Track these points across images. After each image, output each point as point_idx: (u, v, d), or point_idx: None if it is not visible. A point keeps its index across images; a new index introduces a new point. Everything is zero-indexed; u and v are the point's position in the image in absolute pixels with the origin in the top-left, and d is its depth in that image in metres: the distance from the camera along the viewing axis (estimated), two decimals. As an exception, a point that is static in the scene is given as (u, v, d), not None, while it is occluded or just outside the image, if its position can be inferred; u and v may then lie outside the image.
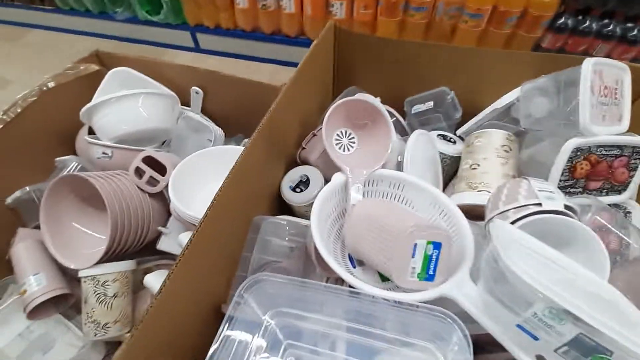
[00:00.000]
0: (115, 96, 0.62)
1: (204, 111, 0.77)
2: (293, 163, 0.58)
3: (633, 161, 0.46)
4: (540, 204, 0.37)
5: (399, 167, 0.51)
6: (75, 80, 0.69)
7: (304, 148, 0.58)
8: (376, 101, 0.49)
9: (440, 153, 0.59)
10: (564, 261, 0.33)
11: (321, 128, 0.46)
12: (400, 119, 0.64)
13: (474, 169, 0.51)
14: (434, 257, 0.34)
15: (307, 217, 0.52)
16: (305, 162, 0.57)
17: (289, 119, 0.55)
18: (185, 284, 0.35)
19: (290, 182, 0.54)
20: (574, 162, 0.45)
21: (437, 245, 0.34)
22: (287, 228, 0.50)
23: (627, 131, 0.47)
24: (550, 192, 0.38)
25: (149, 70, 0.71)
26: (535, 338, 0.27)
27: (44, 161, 0.67)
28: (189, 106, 0.76)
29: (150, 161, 0.59)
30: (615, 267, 0.40)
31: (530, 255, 0.31)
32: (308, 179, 0.54)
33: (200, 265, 0.37)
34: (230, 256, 0.45)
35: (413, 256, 0.33)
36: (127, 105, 0.63)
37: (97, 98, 0.65)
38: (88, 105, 0.62)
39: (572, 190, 0.47)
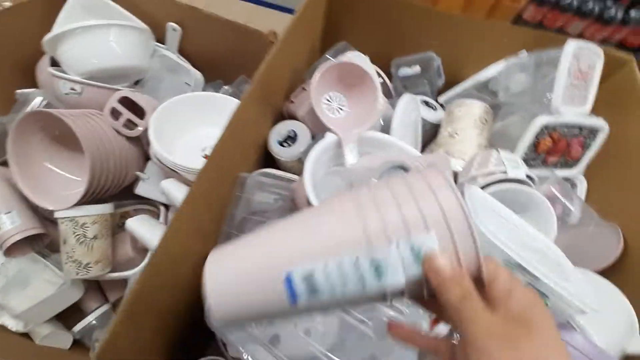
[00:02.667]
0: (82, 26, 0.56)
1: (181, 52, 0.72)
2: (279, 116, 0.58)
3: (588, 141, 0.52)
4: (505, 172, 0.42)
5: (383, 130, 0.53)
6: (35, -1, 0.61)
7: (292, 102, 0.57)
8: (366, 64, 0.49)
9: (422, 119, 0.61)
10: (518, 222, 0.39)
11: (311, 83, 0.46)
12: (387, 81, 0.65)
13: (453, 137, 0.54)
14: None
15: (292, 172, 0.54)
16: (292, 116, 0.57)
17: (280, 72, 0.54)
18: (183, 236, 0.36)
19: (278, 136, 0.55)
20: (539, 138, 0.50)
21: None
22: (271, 182, 0.52)
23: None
24: (516, 162, 0.43)
25: (119, -2, 0.64)
26: None
27: (1, 92, 0.61)
28: (163, 44, 0.70)
29: (127, 102, 0.56)
30: (559, 231, 0.48)
31: (492, 215, 0.36)
32: (296, 134, 0.54)
33: (195, 219, 0.38)
34: (222, 212, 0.46)
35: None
36: (98, 38, 0.57)
37: (62, 25, 0.58)
38: (52, 33, 0.56)
39: (532, 162, 0.52)
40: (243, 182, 0.47)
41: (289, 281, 0.19)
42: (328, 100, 0.48)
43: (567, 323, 0.36)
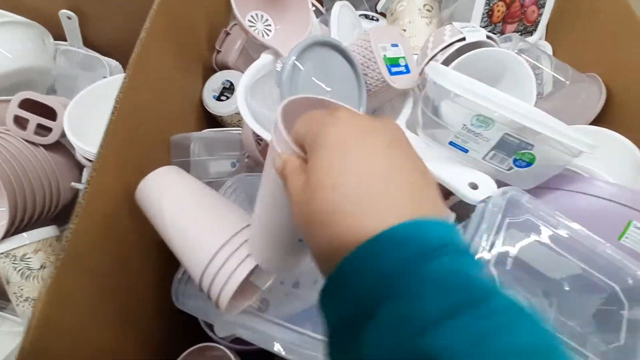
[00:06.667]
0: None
1: (88, 44, 0.63)
2: (211, 70, 0.51)
3: (541, -2, 0.48)
4: (464, 38, 0.37)
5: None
6: None
7: (219, 51, 0.50)
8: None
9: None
10: (492, 91, 0.34)
11: (234, 24, 0.39)
12: (320, 7, 0.59)
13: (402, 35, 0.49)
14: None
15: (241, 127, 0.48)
16: (223, 67, 0.51)
17: (193, 16, 0.46)
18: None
19: (212, 91, 0.48)
20: (491, 5, 0.45)
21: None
22: (221, 143, 0.46)
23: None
24: (473, 27, 0.38)
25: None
26: (465, 150, 0.28)
27: None
28: (63, 39, 0.61)
29: (31, 106, 0.48)
30: (538, 100, 0.44)
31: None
32: (232, 84, 0.48)
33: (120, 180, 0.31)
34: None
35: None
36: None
37: None
38: None
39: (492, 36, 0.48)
40: (182, 146, 0.41)
41: None
42: (252, 21, 0.41)
43: (578, 175, 0.32)
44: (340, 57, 0.31)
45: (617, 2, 0.43)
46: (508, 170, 0.28)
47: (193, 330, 0.36)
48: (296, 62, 0.27)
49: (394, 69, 0.32)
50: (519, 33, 0.50)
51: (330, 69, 0.30)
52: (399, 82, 0.32)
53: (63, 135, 0.48)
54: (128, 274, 0.31)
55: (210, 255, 0.26)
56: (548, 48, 0.52)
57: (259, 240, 0.25)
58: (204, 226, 0.27)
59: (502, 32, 0.48)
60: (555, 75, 0.45)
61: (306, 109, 0.20)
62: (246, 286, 0.29)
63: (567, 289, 0.29)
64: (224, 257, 0.26)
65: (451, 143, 0.28)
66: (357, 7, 0.61)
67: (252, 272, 0.27)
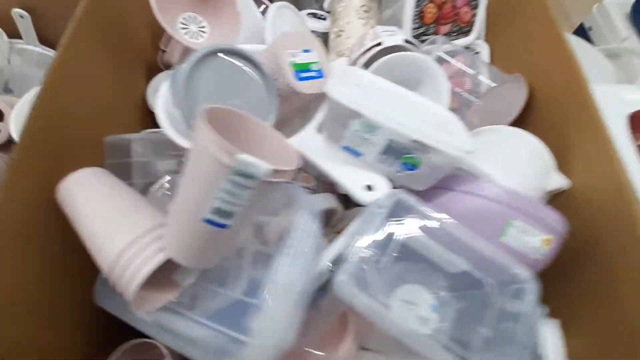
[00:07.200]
0: None
1: (43, 41, 0.64)
2: (157, 70, 0.52)
3: (474, -2, 0.49)
4: (380, 43, 0.38)
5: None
6: None
7: (164, 51, 0.52)
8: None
9: (313, 32, 0.57)
10: (399, 90, 0.35)
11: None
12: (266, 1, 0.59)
13: (339, 36, 0.50)
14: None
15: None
16: (169, 67, 0.52)
17: (131, 15, 0.47)
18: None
19: (155, 91, 0.49)
20: (421, 7, 0.47)
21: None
22: (167, 142, 0.47)
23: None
24: (392, 32, 0.40)
25: None
26: (359, 154, 0.30)
27: None
28: (18, 37, 0.62)
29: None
30: (474, 103, 0.45)
31: (361, 86, 0.32)
32: (174, 84, 0.49)
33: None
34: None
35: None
36: None
37: None
38: None
39: (425, 37, 0.49)
40: (119, 147, 0.42)
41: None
42: (184, 25, 0.42)
43: (472, 176, 0.34)
44: (249, 64, 0.32)
45: (539, 6, 0.44)
46: (398, 173, 0.30)
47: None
48: (193, 71, 0.29)
49: (303, 75, 0.34)
50: (455, 33, 0.51)
51: (237, 76, 0.32)
52: (309, 87, 0.34)
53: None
54: (50, 271, 0.33)
55: (117, 252, 0.27)
56: (485, 48, 0.53)
57: (173, 233, 0.27)
58: (111, 225, 0.29)
59: (436, 33, 0.50)
60: (483, 77, 0.47)
61: (218, 117, 0.24)
62: (166, 283, 0.31)
63: (461, 284, 0.32)
64: (132, 253, 0.28)
65: (345, 147, 0.30)
66: (308, 6, 0.62)
67: (171, 269, 0.29)
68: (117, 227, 0.29)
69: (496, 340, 0.28)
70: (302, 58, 0.34)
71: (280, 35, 0.34)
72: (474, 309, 0.31)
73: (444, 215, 0.29)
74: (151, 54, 0.52)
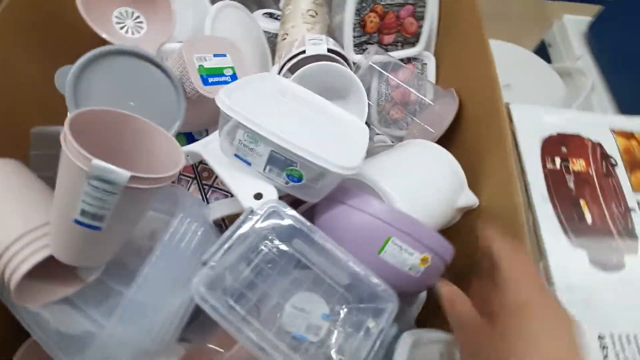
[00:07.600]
0: None
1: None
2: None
3: (419, 10, 0.49)
4: (304, 51, 0.38)
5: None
6: None
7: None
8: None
9: (266, 32, 0.57)
10: (314, 99, 0.36)
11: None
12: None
13: (285, 39, 0.50)
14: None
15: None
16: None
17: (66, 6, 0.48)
18: None
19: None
20: (362, 16, 0.47)
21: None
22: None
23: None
24: (319, 40, 0.40)
25: None
26: (249, 163, 0.31)
27: None
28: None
29: None
30: (419, 113, 0.47)
31: (267, 93, 0.33)
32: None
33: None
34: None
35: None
36: None
37: None
38: None
39: (368, 46, 0.49)
40: (48, 136, 0.43)
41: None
42: (120, 20, 0.43)
43: (371, 191, 0.35)
44: (153, 66, 0.33)
45: (472, 18, 0.44)
46: (286, 184, 0.31)
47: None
48: (82, 72, 0.29)
49: (212, 79, 0.34)
50: (400, 44, 0.51)
51: (145, 78, 0.33)
52: (214, 92, 0.34)
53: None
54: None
55: (6, 245, 0.29)
56: (432, 60, 0.53)
57: (53, 231, 0.29)
58: (4, 218, 0.30)
59: (380, 42, 0.50)
60: (418, 92, 0.48)
61: (103, 121, 0.24)
62: (70, 278, 0.32)
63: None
64: (19, 247, 0.29)
65: (236, 155, 0.31)
66: (270, 6, 0.62)
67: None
68: (10, 220, 0.30)
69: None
70: (214, 62, 0.35)
71: (189, 38, 0.34)
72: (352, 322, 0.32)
73: (316, 228, 0.30)
74: (91, 46, 0.53)
